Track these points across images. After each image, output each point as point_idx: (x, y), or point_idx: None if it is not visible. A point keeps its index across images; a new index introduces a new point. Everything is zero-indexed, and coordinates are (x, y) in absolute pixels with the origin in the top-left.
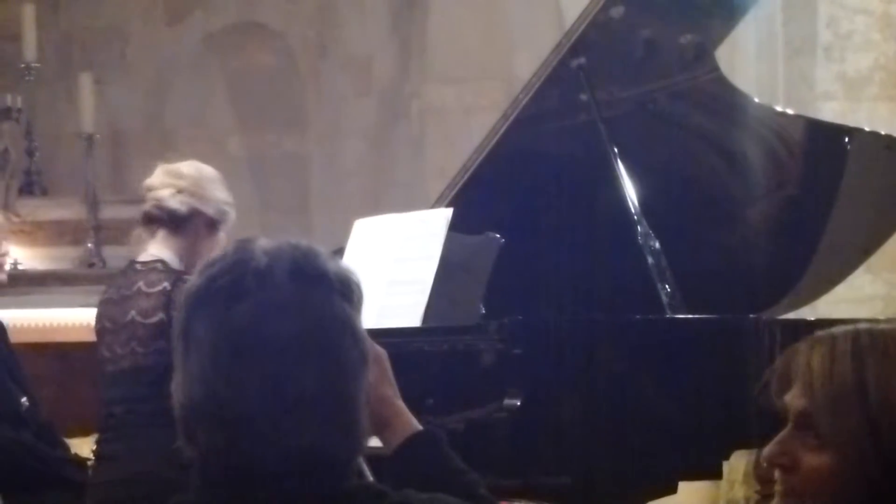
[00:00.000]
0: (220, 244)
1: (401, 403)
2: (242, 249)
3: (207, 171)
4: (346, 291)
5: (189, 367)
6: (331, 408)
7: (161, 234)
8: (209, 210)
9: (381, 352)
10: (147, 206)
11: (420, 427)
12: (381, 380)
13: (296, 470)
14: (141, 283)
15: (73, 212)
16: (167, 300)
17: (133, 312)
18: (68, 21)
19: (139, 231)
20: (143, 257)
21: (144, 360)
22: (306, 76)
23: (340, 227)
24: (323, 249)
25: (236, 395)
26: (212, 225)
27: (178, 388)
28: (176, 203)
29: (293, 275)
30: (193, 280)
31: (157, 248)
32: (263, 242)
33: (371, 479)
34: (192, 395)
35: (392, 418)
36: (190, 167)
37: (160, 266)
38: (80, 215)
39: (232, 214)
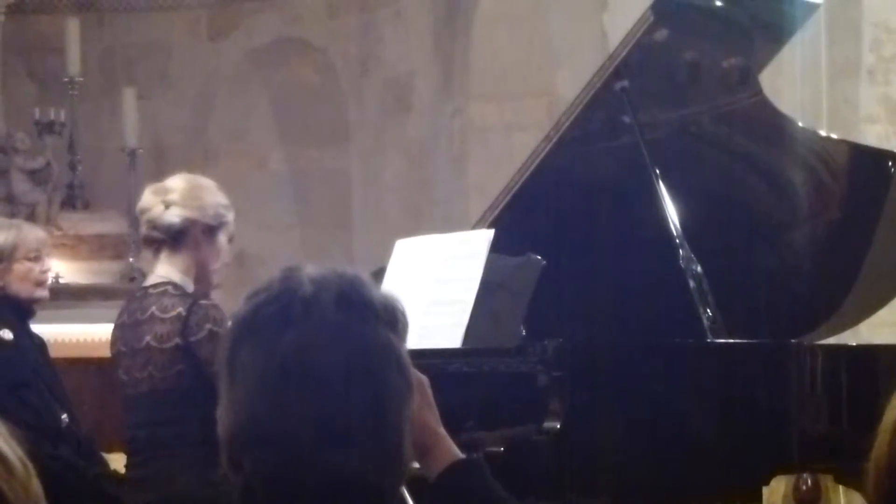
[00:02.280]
0: (224, 250)
1: (442, 430)
2: (289, 278)
3: (197, 179)
4: (391, 320)
5: (234, 395)
6: (375, 436)
7: (164, 253)
8: (204, 217)
9: (423, 378)
10: (144, 230)
11: (461, 455)
12: (422, 406)
13: (339, 497)
14: (154, 309)
15: (115, 226)
16: (182, 326)
17: (148, 338)
18: (112, 36)
19: (145, 255)
20: (151, 280)
21: (163, 383)
22: (348, 92)
23: (380, 243)
24: (368, 278)
25: (281, 423)
26: (210, 231)
27: (223, 415)
28: (169, 217)
29: (339, 303)
30: (239, 308)
31: (164, 269)
32: (310, 270)
33: None
34: (238, 421)
35: (433, 445)
36: (177, 179)
37: (171, 289)
38: (122, 229)
39: (229, 217)
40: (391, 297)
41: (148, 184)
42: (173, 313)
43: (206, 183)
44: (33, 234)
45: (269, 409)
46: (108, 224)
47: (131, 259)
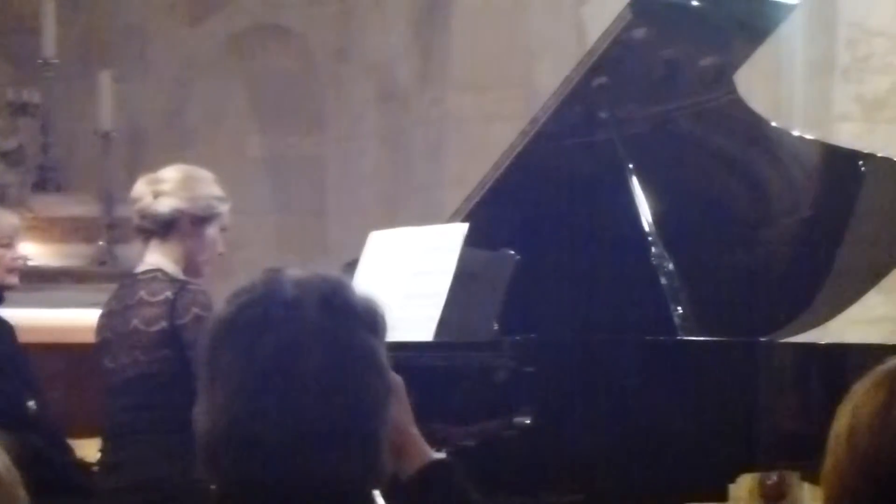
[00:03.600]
0: (214, 241)
1: (415, 431)
2: (271, 280)
3: (190, 170)
4: (372, 324)
5: (214, 396)
6: (353, 439)
7: (153, 242)
8: (193, 208)
9: (398, 379)
10: (135, 219)
11: (434, 455)
12: (396, 407)
13: (318, 500)
14: (143, 293)
15: (87, 209)
16: (170, 309)
17: (136, 321)
18: (88, 18)
19: (137, 245)
20: (141, 267)
21: (149, 367)
22: (326, 80)
23: (356, 231)
24: (350, 281)
25: (260, 425)
26: (199, 222)
27: (201, 416)
28: (158, 207)
29: (321, 307)
30: (221, 309)
31: (153, 257)
32: (292, 273)
33: None
34: (217, 422)
35: (406, 446)
36: (170, 170)
37: (160, 275)
38: (94, 213)
39: (221, 209)
40: (372, 301)
41: (122, 168)
42: (161, 297)
43: (200, 174)
44: (6, 219)
45: (248, 410)
46: (80, 207)
47: (102, 242)
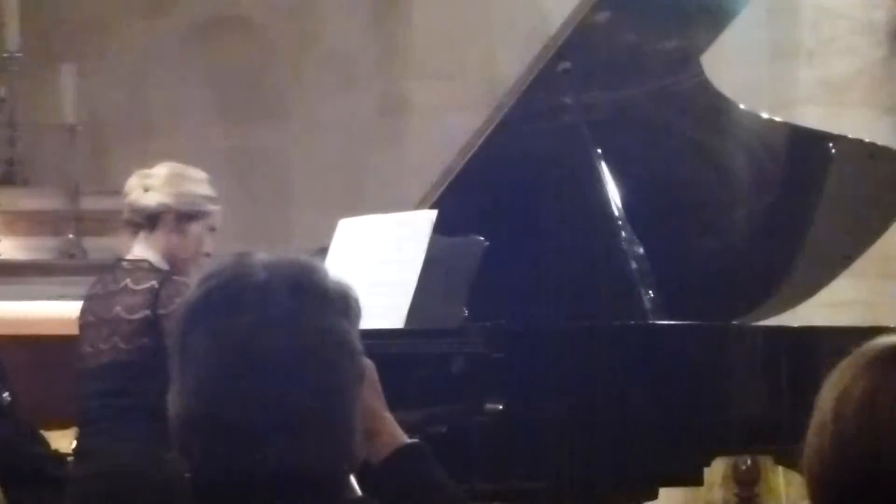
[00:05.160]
0: (199, 240)
1: (388, 415)
2: (241, 263)
3: (181, 168)
4: (344, 308)
5: (185, 380)
6: (326, 423)
7: (141, 235)
8: (178, 204)
9: (369, 363)
10: (124, 212)
11: (407, 439)
12: (368, 391)
13: (290, 485)
14: (128, 280)
15: (54, 202)
16: (153, 298)
17: (118, 308)
18: (51, 11)
19: (126, 237)
20: (128, 256)
21: (127, 355)
22: (287, 70)
23: (320, 222)
24: (321, 264)
25: (231, 409)
26: (182, 218)
27: (173, 400)
28: (145, 201)
29: (292, 290)
30: (191, 292)
31: (141, 249)
32: (262, 256)
33: (359, 492)
34: (188, 407)
35: (379, 430)
36: (162, 167)
37: (147, 265)
38: (61, 206)
39: (209, 209)
40: (344, 285)
41: (88, 160)
42: (146, 285)
43: (191, 173)
44: None
45: (219, 395)
46: (47, 200)
47: (70, 235)
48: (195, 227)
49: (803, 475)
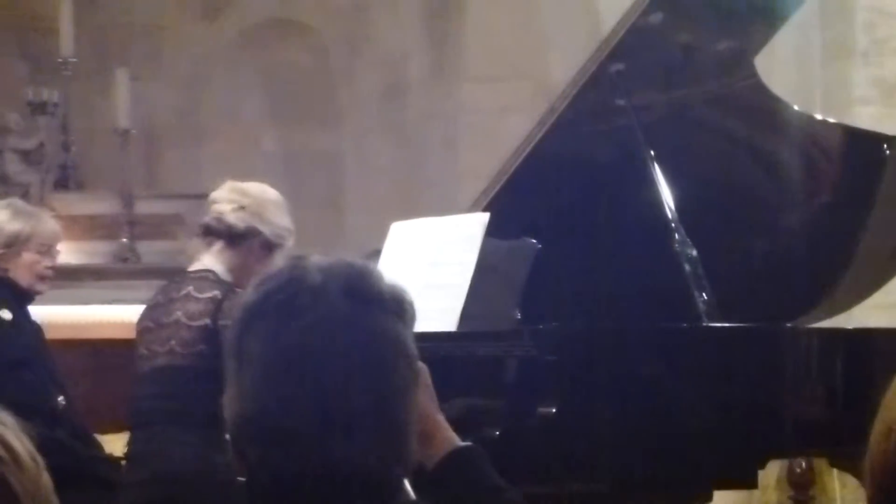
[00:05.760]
0: (271, 266)
1: (441, 418)
2: (297, 267)
3: (272, 194)
4: (399, 311)
5: (242, 383)
6: (381, 427)
7: (217, 247)
8: (267, 231)
9: (423, 367)
10: (207, 218)
11: (460, 443)
12: (422, 395)
13: (344, 487)
14: (191, 288)
15: (108, 206)
16: (215, 308)
17: (179, 313)
18: (105, 16)
19: (196, 241)
20: (194, 266)
21: (182, 360)
22: (340, 73)
23: (372, 225)
24: (376, 267)
25: (287, 412)
26: (267, 247)
27: (230, 403)
28: (235, 219)
29: (347, 293)
30: (248, 296)
31: (210, 260)
32: (318, 260)
33: (412, 495)
34: (244, 410)
35: (433, 433)
36: (255, 187)
37: (212, 276)
38: (115, 210)
39: (289, 241)
40: (399, 288)
41: (141, 165)
42: (209, 294)
43: (280, 201)
44: (50, 227)
45: (275, 398)
46: (101, 204)
47: (124, 239)
48: (274, 256)
49: (860, 479)
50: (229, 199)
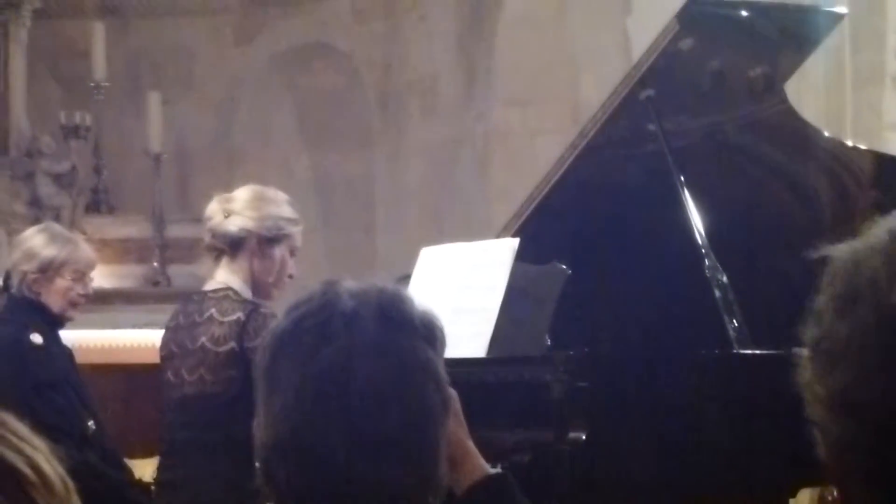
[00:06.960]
0: (283, 263)
1: (471, 444)
2: (328, 292)
3: (262, 191)
4: (430, 336)
5: (272, 407)
6: (411, 452)
7: (224, 260)
8: (260, 228)
9: (453, 392)
10: (206, 237)
11: (490, 469)
12: (452, 421)
13: None
14: (213, 311)
15: (139, 230)
16: (240, 330)
17: (204, 339)
18: (137, 40)
19: (208, 263)
20: (211, 285)
21: (212, 387)
22: (372, 97)
23: (403, 248)
24: (407, 293)
25: (318, 437)
26: (265, 243)
27: (259, 428)
28: (227, 226)
29: (379, 319)
30: (279, 321)
31: (224, 276)
32: (349, 285)
33: None
34: (275, 434)
35: (462, 459)
36: (242, 190)
37: (232, 294)
38: (146, 233)
39: (291, 230)
40: (430, 314)
41: (172, 188)
42: (232, 317)
43: (271, 195)
44: (86, 254)
45: (305, 423)
46: (132, 228)
47: (155, 263)
48: (278, 251)
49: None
50: (218, 209)
